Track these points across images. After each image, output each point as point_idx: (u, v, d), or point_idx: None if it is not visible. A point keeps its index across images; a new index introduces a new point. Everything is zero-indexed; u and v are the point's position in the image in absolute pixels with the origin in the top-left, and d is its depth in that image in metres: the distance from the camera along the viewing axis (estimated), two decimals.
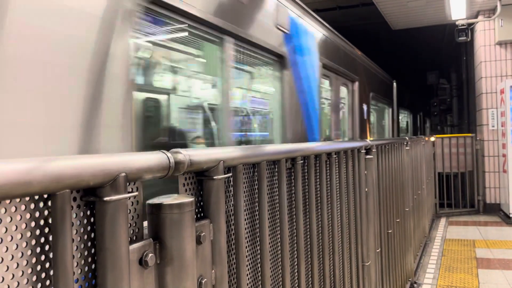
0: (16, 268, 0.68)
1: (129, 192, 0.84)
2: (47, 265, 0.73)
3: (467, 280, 4.67)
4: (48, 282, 0.73)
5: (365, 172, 2.55)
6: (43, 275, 0.72)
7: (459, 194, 8.53)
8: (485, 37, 8.34)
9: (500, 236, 6.66)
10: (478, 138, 8.59)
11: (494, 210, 8.29)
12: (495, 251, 5.79)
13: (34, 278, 0.71)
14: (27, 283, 0.69)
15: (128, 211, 0.86)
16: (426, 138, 7.64)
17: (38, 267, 0.71)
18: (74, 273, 0.75)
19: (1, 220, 0.66)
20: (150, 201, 0.94)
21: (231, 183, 1.23)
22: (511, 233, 6.80)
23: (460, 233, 6.89)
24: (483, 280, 4.65)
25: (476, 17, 8.38)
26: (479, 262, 5.31)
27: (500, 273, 4.89)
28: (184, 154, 0.98)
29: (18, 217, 0.68)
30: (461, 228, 7.25)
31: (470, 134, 8.79)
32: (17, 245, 0.68)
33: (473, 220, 7.92)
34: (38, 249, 0.72)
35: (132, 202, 0.90)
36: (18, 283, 0.68)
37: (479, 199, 8.48)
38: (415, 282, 4.54)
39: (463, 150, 8.56)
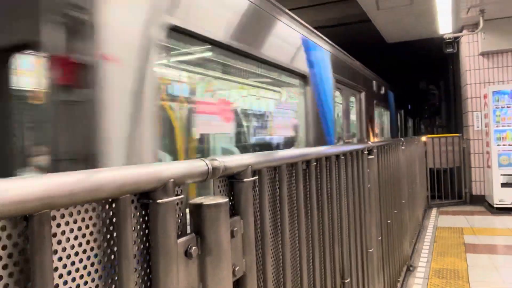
0: (87, 259, 0.72)
1: (176, 195, 0.87)
2: (112, 257, 0.76)
3: (457, 263, 4.64)
4: (113, 272, 0.76)
5: (368, 170, 2.56)
6: (109, 265, 0.76)
7: (448, 187, 8.47)
8: (470, 48, 8.27)
9: (485, 224, 6.60)
10: (464, 138, 8.52)
11: (480, 201, 8.21)
12: (481, 238, 5.74)
13: (102, 268, 0.74)
14: (96, 272, 0.73)
15: (176, 211, 0.89)
16: (419, 139, 7.61)
17: (105, 259, 0.75)
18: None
19: (76, 221, 0.69)
20: (192, 202, 0.97)
21: (257, 184, 1.25)
22: (495, 221, 6.74)
23: (450, 222, 6.84)
24: (471, 263, 4.62)
25: (461, 31, 8.31)
26: (467, 247, 5.27)
27: (486, 257, 4.85)
28: (220, 161, 1.01)
29: (89, 218, 0.72)
30: (451, 217, 7.20)
31: (457, 134, 8.72)
32: (88, 241, 0.72)
33: (461, 210, 7.86)
34: (105, 244, 0.75)
35: (178, 203, 0.93)
36: (90, 272, 0.72)
37: (466, 191, 8.41)
38: (411, 265, 4.53)
39: (452, 148, 8.50)
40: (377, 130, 9.13)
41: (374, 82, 8.81)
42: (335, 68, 5.81)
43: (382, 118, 10.41)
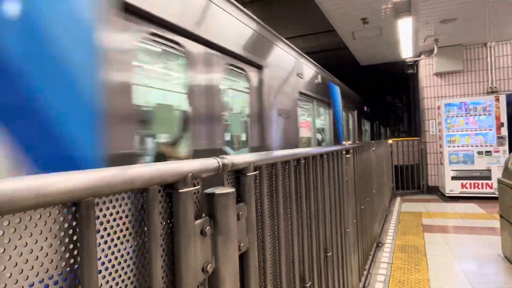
0: (124, 237, 0.72)
1: (194, 186, 0.87)
2: (143, 235, 0.76)
3: (416, 240, 4.63)
4: (143, 248, 0.76)
5: (346, 166, 2.56)
6: (141, 242, 0.76)
7: (410, 180, 8.46)
8: (426, 69, 8.26)
9: (439, 209, 6.59)
10: (422, 141, 8.51)
11: (434, 191, 8.19)
12: (436, 220, 5.72)
13: (135, 243, 0.74)
14: (130, 247, 0.73)
15: (193, 198, 0.89)
16: (386, 141, 7.61)
17: (138, 237, 0.75)
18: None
19: (114, 206, 0.69)
20: (207, 191, 0.96)
21: (258, 177, 1.25)
22: (447, 207, 6.72)
23: (411, 207, 6.83)
24: (427, 241, 4.61)
25: (419, 55, 8.31)
26: (425, 228, 5.26)
27: (440, 235, 4.84)
28: (228, 159, 1.01)
29: (125, 204, 0.72)
30: (411, 204, 7.18)
31: (416, 138, 8.71)
32: (124, 223, 0.72)
33: (419, 198, 7.84)
34: (137, 225, 0.75)
35: (195, 192, 0.93)
36: (125, 247, 0.72)
37: (424, 183, 8.39)
38: (380, 242, 4.51)
39: (412, 149, 8.49)
40: (306, 133, 5.61)
41: (299, 62, 4.90)
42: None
43: (319, 117, 6.50)
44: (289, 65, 4.51)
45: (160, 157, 2.42)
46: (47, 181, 0.53)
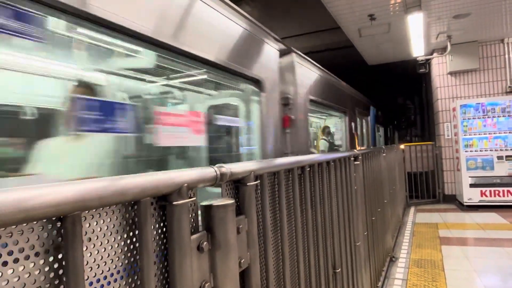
0: (114, 255, 0.71)
1: (189, 198, 0.87)
2: (135, 252, 0.76)
3: (433, 254, 4.60)
4: (135, 265, 0.76)
5: (354, 174, 2.55)
6: (132, 259, 0.75)
7: (424, 188, 8.43)
8: (439, 68, 8.30)
9: (457, 219, 6.56)
10: (437, 145, 8.50)
11: (451, 199, 8.16)
12: (453, 231, 5.69)
13: (126, 261, 0.74)
14: (121, 265, 0.73)
15: (189, 211, 0.89)
16: (397, 147, 7.60)
17: (129, 254, 0.75)
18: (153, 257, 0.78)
19: (104, 221, 0.69)
20: (203, 203, 0.96)
21: (259, 187, 1.25)
22: (465, 217, 6.69)
23: (426, 218, 6.79)
24: (445, 254, 4.58)
25: (431, 54, 8.34)
26: (442, 240, 5.23)
27: (458, 248, 4.81)
28: (226, 168, 1.01)
29: (115, 219, 0.72)
30: (427, 214, 7.15)
31: (431, 142, 8.70)
32: (114, 238, 0.71)
33: (435, 208, 7.81)
34: (129, 241, 0.75)
35: (191, 204, 0.92)
36: (116, 265, 0.71)
37: (440, 192, 8.37)
38: (393, 256, 4.48)
39: (426, 154, 8.48)
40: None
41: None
42: None
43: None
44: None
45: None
46: (31, 194, 0.53)
